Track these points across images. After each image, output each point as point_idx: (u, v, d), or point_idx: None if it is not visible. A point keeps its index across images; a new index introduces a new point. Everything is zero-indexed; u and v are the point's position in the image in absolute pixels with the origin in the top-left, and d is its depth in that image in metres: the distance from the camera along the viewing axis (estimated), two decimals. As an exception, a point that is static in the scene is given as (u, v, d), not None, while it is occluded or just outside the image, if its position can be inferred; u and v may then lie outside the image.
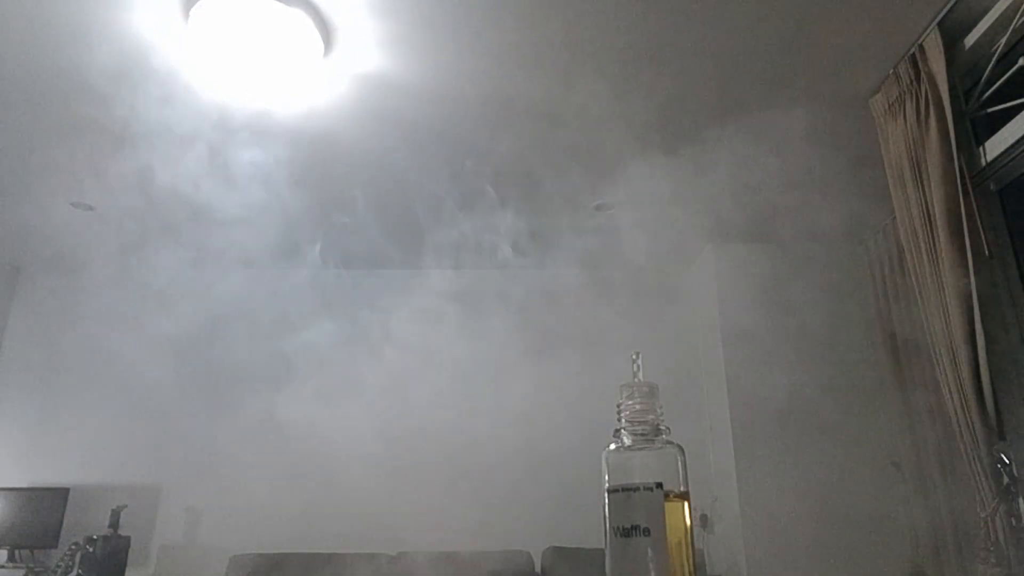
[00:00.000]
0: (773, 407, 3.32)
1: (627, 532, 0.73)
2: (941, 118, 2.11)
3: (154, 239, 3.64)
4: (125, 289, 3.98)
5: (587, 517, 3.47)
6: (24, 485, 3.55)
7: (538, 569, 3.35)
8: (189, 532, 3.53)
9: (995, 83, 2.17)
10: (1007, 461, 1.93)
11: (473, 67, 2.31)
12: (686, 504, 0.75)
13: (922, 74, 2.17)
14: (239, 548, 3.46)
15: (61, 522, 3.36)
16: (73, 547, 3.27)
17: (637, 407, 0.79)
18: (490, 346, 3.89)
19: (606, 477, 0.78)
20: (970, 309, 2.01)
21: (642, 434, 0.78)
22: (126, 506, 3.34)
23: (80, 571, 3.12)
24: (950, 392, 2.09)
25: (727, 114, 2.57)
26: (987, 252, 2.11)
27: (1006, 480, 1.95)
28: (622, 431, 0.79)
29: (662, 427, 0.78)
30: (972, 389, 1.99)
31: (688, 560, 0.74)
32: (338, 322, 3.93)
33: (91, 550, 3.12)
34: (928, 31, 2.15)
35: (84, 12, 2.06)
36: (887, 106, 2.37)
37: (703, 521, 3.43)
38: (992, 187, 2.28)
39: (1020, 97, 2.09)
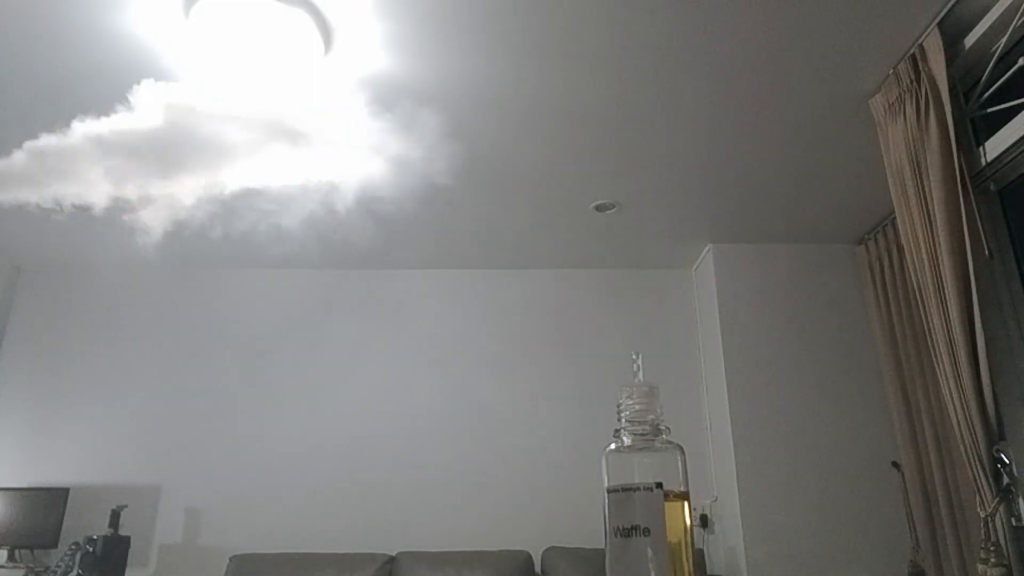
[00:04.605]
0: (773, 407, 3.32)
1: (627, 532, 0.73)
2: (941, 118, 2.11)
3: (153, 239, 3.63)
4: (124, 289, 3.98)
5: (587, 517, 3.48)
6: (24, 485, 3.55)
7: (538, 569, 3.35)
8: (189, 532, 3.53)
9: (995, 83, 2.17)
10: (1007, 461, 1.93)
11: (475, 67, 2.31)
12: (686, 504, 0.76)
13: (922, 74, 2.17)
14: (239, 548, 3.46)
15: (61, 522, 3.36)
16: (73, 547, 3.27)
17: (637, 407, 0.79)
18: (491, 346, 3.89)
19: (606, 477, 0.78)
20: (970, 309, 2.01)
21: (642, 434, 0.78)
22: (126, 506, 3.34)
23: (80, 571, 3.12)
24: (950, 392, 2.09)
25: (727, 114, 2.57)
26: (987, 252, 2.11)
27: (1006, 480, 1.95)
28: (622, 431, 0.79)
29: (662, 427, 0.78)
30: (972, 389, 1.99)
31: (688, 560, 0.74)
32: (337, 323, 3.93)
33: (91, 550, 3.12)
34: (928, 31, 2.15)
35: (84, 11, 2.06)
36: (887, 106, 2.37)
37: (703, 521, 3.43)
38: (992, 187, 2.28)
39: (1020, 97, 2.09)
